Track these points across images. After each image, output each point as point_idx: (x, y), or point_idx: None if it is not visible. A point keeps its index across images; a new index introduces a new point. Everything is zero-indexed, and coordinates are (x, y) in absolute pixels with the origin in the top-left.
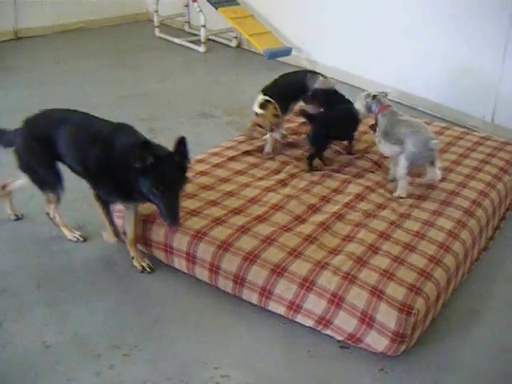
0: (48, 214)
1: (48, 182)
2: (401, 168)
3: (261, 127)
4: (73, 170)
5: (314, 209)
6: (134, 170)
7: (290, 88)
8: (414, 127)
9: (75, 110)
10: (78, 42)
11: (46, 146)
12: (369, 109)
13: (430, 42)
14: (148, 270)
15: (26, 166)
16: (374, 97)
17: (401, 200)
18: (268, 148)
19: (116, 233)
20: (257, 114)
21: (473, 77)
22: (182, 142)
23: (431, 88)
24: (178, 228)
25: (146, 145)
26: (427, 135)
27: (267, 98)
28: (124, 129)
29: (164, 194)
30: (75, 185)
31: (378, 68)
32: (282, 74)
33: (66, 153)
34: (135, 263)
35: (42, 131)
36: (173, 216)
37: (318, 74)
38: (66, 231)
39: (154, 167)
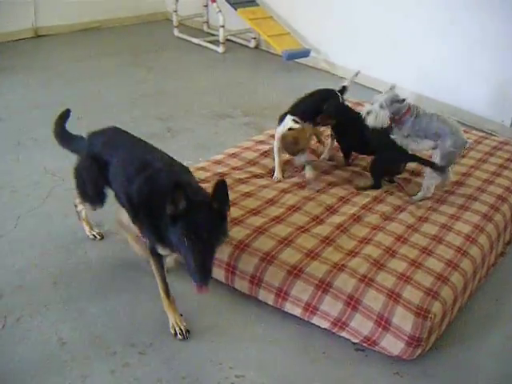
0: (76, 206)
1: (90, 197)
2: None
3: (295, 143)
4: (119, 201)
5: (331, 210)
6: (166, 215)
7: (312, 108)
8: (453, 126)
9: (138, 139)
10: (96, 40)
11: (99, 168)
12: (397, 113)
13: (448, 44)
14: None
15: (78, 172)
16: (403, 100)
17: (419, 203)
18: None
19: (167, 293)
20: (290, 128)
21: (492, 80)
22: (221, 186)
23: (449, 91)
24: (207, 289)
25: (180, 186)
26: (464, 135)
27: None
28: (176, 168)
29: (195, 246)
30: None
31: (397, 70)
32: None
33: (113, 179)
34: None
35: (99, 153)
36: (202, 273)
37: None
38: (86, 227)
39: (187, 213)
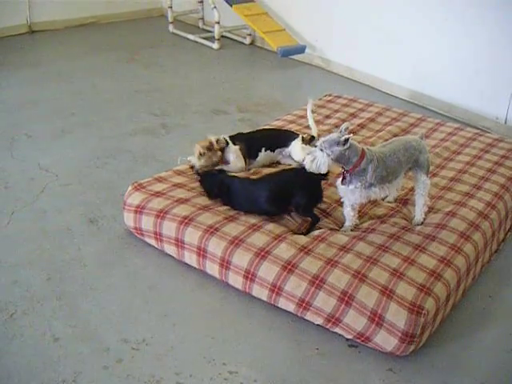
0: None
1: None
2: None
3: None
4: None
5: (324, 214)
6: None
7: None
8: (412, 141)
9: None
10: (91, 36)
11: None
12: (342, 158)
13: (444, 41)
14: None
15: None
16: (345, 141)
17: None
18: None
19: None
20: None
21: (486, 77)
22: None
23: (444, 88)
24: None
25: None
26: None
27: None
28: None
29: None
30: (87, 178)
31: (392, 67)
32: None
33: None
34: None
35: None
36: None
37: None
38: None
39: None
